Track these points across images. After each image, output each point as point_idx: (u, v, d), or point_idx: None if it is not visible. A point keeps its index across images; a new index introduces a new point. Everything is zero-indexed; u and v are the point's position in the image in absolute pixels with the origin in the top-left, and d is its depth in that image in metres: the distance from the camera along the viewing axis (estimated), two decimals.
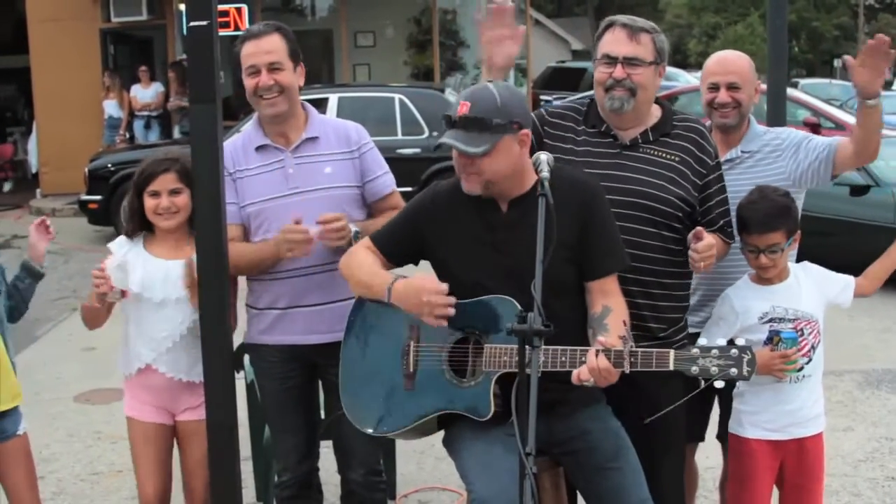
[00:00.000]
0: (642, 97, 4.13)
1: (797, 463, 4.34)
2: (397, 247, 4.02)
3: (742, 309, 4.29)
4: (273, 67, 4.33)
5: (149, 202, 4.44)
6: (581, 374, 3.52)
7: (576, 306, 3.87)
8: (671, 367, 3.49)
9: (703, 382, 3.50)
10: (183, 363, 4.47)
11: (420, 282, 3.80)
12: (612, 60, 4.11)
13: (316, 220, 4.23)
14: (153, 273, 4.43)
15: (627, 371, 3.50)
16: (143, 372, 4.50)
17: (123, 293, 4.35)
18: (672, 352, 3.50)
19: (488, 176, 3.71)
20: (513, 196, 3.81)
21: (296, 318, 4.41)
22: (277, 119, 4.40)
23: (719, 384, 3.52)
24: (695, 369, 3.47)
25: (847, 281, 4.41)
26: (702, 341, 4.11)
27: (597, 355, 3.49)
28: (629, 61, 4.09)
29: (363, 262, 3.99)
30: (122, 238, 4.58)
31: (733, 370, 3.45)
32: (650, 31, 4.15)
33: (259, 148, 4.42)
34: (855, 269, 4.47)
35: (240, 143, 4.47)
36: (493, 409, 3.72)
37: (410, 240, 3.99)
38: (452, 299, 3.74)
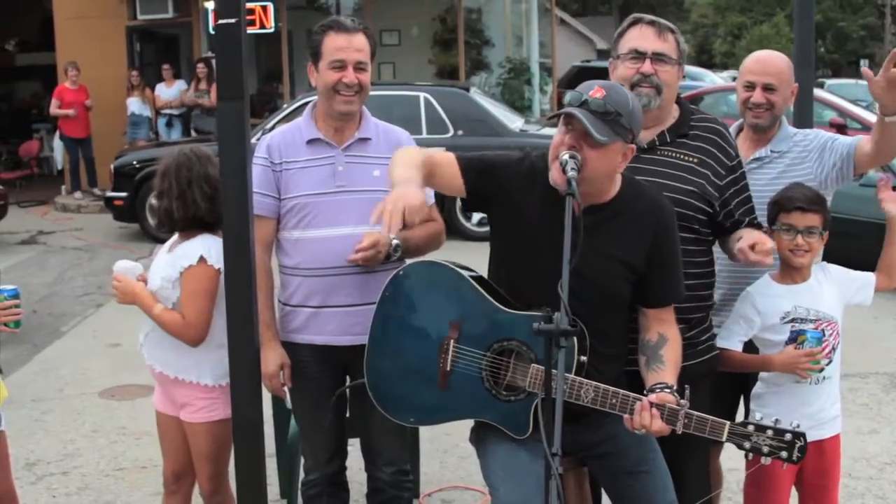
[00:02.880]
0: (667, 96, 4.11)
1: (817, 465, 4.34)
2: (479, 180, 3.85)
3: (764, 308, 4.28)
4: (359, 66, 4.34)
5: None
6: (634, 425, 3.52)
7: (625, 323, 3.86)
8: (724, 440, 3.50)
9: (751, 456, 3.55)
10: (158, 352, 4.54)
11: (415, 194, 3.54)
12: (639, 55, 4.08)
13: (355, 248, 4.26)
14: (155, 264, 4.58)
15: (679, 431, 3.51)
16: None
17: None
18: (728, 424, 3.49)
19: (587, 172, 3.55)
20: (589, 202, 3.66)
21: (329, 318, 4.39)
22: (345, 117, 4.39)
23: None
24: (747, 445, 3.49)
25: (867, 278, 4.40)
26: (722, 341, 4.14)
27: (650, 410, 3.49)
28: (658, 57, 4.07)
29: (415, 158, 3.78)
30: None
31: (784, 453, 3.46)
32: (674, 31, 4.15)
33: (310, 141, 4.41)
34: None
35: (290, 136, 4.45)
36: (531, 429, 3.70)
37: (492, 185, 3.82)
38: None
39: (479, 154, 3.96)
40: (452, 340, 3.80)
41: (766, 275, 4.38)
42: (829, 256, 4.45)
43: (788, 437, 3.46)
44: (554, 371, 3.50)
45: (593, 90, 3.57)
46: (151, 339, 4.55)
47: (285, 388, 4.48)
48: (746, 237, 4.00)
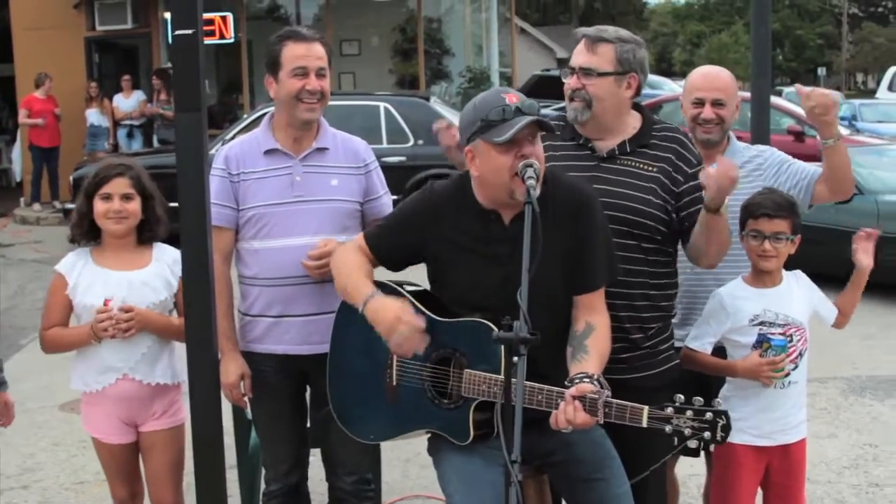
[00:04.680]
0: (598, 108, 4.11)
1: (782, 465, 4.39)
2: (393, 252, 3.95)
3: (733, 309, 4.31)
4: (320, 73, 4.34)
5: (100, 206, 4.41)
6: (560, 423, 3.45)
7: (563, 325, 3.81)
8: (644, 425, 3.39)
9: (676, 440, 3.39)
10: (157, 367, 4.49)
11: (397, 311, 3.70)
12: (572, 71, 4.15)
13: (308, 254, 4.29)
14: (115, 285, 4.42)
15: (601, 422, 3.44)
16: (118, 382, 4.48)
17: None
18: (646, 409, 3.39)
19: (541, 173, 3.59)
20: (517, 209, 3.67)
21: (289, 328, 4.40)
22: (307, 125, 4.39)
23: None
24: (668, 429, 3.37)
25: (831, 309, 4.46)
26: (693, 341, 4.18)
27: (573, 403, 3.41)
28: (584, 72, 4.10)
29: (350, 266, 3.92)
30: (69, 258, 4.55)
31: (707, 434, 3.34)
32: (613, 42, 4.11)
33: (268, 152, 4.40)
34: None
35: (247, 146, 4.45)
36: (472, 435, 3.71)
37: (407, 245, 3.91)
38: (425, 340, 3.70)
39: (382, 222, 4.10)
40: (395, 355, 3.84)
41: (739, 277, 4.42)
42: (787, 263, 4.47)
43: (709, 416, 3.34)
44: (500, 377, 3.54)
45: (509, 98, 3.62)
46: (149, 357, 4.47)
47: (245, 399, 4.48)
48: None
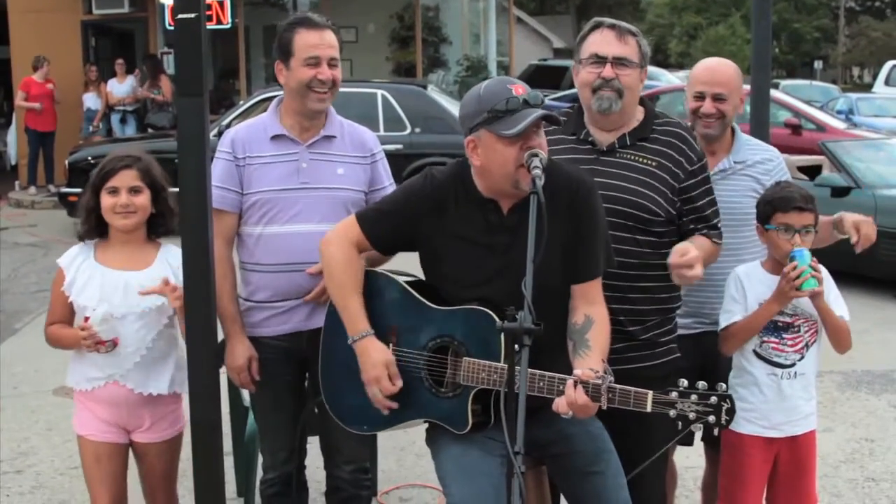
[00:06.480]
0: (629, 99, 4.12)
1: (790, 457, 4.39)
2: (386, 238, 3.93)
3: (748, 288, 4.33)
4: (332, 63, 4.32)
5: (107, 200, 4.24)
6: (560, 408, 3.44)
7: (562, 313, 3.80)
8: (648, 409, 3.38)
9: (680, 425, 3.38)
10: (151, 376, 4.33)
11: (380, 369, 3.77)
12: (600, 60, 4.09)
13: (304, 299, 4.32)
14: (111, 286, 4.28)
15: (605, 407, 3.43)
16: (107, 386, 4.33)
17: (115, 342, 4.23)
18: (650, 393, 3.38)
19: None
20: (516, 199, 3.69)
21: (294, 311, 4.38)
22: (318, 115, 4.38)
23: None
24: (672, 413, 3.35)
25: (843, 308, 4.44)
26: (724, 322, 4.21)
27: (575, 388, 3.40)
28: (619, 61, 4.08)
29: (345, 276, 3.89)
30: (72, 251, 4.42)
31: (711, 417, 3.33)
32: (635, 34, 4.15)
33: (274, 137, 4.37)
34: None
35: (254, 131, 4.42)
36: (470, 423, 3.70)
37: (402, 231, 3.88)
38: (394, 404, 3.79)
39: (378, 206, 4.06)
40: (391, 344, 3.83)
41: (757, 261, 4.43)
42: None
43: (714, 399, 3.33)
44: (500, 365, 3.53)
45: (515, 90, 3.60)
46: (142, 366, 4.30)
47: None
48: (678, 249, 3.96)
